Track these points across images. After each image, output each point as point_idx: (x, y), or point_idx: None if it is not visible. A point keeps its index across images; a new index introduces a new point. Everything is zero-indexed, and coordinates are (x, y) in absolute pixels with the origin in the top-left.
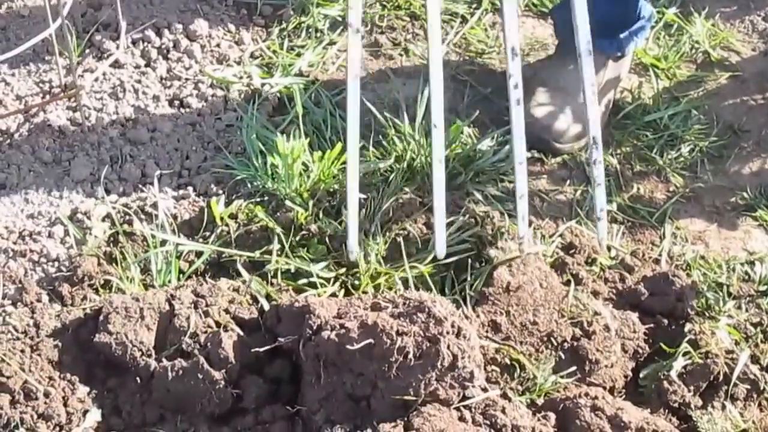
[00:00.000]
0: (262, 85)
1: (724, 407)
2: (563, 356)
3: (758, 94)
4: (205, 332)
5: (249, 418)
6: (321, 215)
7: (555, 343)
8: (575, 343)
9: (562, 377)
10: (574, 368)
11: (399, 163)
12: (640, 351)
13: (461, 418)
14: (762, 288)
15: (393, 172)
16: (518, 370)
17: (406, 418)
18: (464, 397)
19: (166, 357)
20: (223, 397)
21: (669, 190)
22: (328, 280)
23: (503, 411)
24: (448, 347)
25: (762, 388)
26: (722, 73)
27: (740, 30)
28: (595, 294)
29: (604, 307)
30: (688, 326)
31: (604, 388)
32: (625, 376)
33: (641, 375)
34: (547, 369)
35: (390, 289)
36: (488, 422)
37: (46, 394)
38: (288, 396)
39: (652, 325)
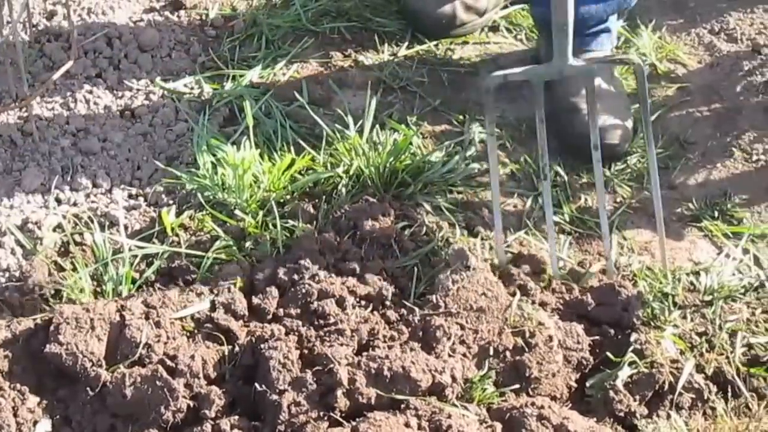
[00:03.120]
0: (213, 95)
1: (669, 416)
2: (505, 366)
3: (704, 106)
4: (158, 341)
5: (206, 428)
6: (271, 225)
7: (497, 353)
8: (517, 353)
9: (503, 386)
10: (515, 377)
11: (348, 173)
12: (585, 362)
13: (407, 424)
14: (707, 298)
15: (341, 180)
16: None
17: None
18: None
19: (123, 366)
20: (179, 407)
21: (616, 201)
22: None
23: (449, 417)
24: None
25: (706, 397)
26: (669, 85)
27: (687, 42)
28: (543, 304)
29: (548, 318)
30: (634, 336)
31: (550, 397)
32: (569, 387)
33: (587, 384)
34: (488, 378)
35: None
36: (434, 428)
37: None
38: (248, 406)
39: (598, 336)
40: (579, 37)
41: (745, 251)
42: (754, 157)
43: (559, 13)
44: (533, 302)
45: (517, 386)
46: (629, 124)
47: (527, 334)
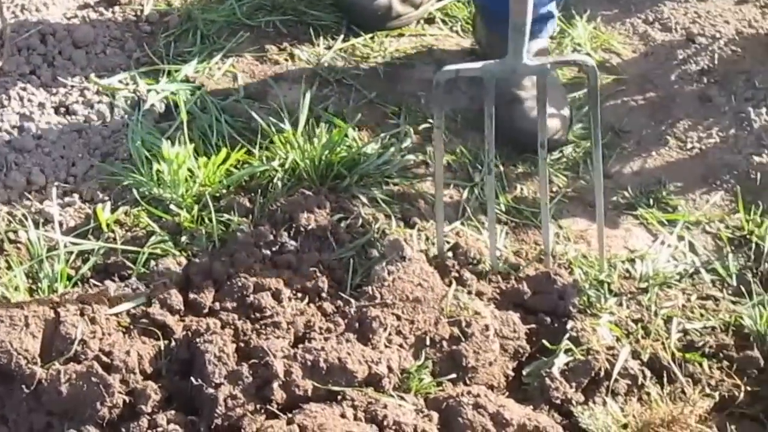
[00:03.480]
0: (148, 91)
1: (605, 402)
2: (442, 355)
3: (639, 95)
4: (93, 338)
5: (143, 423)
6: (207, 220)
7: (433, 343)
8: (453, 343)
9: (440, 376)
10: (452, 367)
11: (283, 166)
12: (522, 350)
13: (343, 415)
14: (642, 285)
15: (277, 173)
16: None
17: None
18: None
19: (58, 363)
20: (115, 403)
21: (552, 190)
22: None
23: (385, 407)
24: None
25: (641, 383)
26: (604, 76)
27: (621, 32)
28: (479, 294)
29: (485, 307)
30: (570, 324)
31: (487, 386)
32: (506, 375)
33: (524, 372)
34: (424, 368)
35: None
36: (370, 418)
37: None
38: (184, 401)
39: (534, 325)
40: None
41: (680, 238)
42: (689, 145)
43: (517, 14)
44: (470, 292)
45: (454, 376)
46: (566, 113)
47: (463, 324)
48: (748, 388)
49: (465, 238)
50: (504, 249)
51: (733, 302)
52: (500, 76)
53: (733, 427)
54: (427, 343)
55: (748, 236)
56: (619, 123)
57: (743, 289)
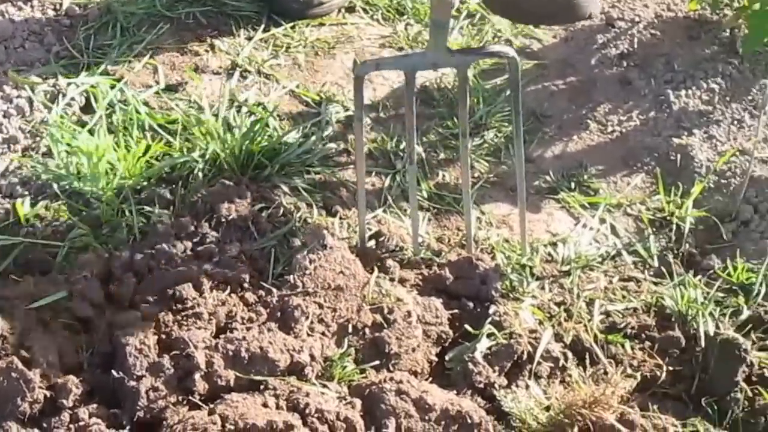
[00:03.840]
0: (68, 85)
1: (527, 386)
2: (365, 343)
3: (559, 80)
4: (12, 333)
5: (65, 417)
6: (127, 212)
7: (356, 330)
8: (376, 330)
9: (364, 363)
10: (375, 354)
11: (204, 157)
12: (445, 336)
13: (265, 404)
14: (565, 268)
15: (198, 164)
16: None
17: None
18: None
19: None
20: (36, 398)
21: (474, 176)
22: None
23: (307, 396)
24: None
25: (563, 365)
26: (524, 61)
27: None
28: (402, 281)
29: (407, 294)
30: (492, 308)
31: (411, 372)
32: (430, 361)
33: (447, 357)
34: (347, 356)
35: None
36: (292, 406)
37: None
38: (106, 394)
39: (457, 310)
40: None
41: (602, 221)
42: (609, 128)
43: (439, 13)
44: (392, 279)
45: (377, 363)
46: None
47: (386, 311)
48: (670, 368)
49: (387, 226)
50: (426, 235)
51: (655, 283)
52: (421, 69)
53: (655, 406)
54: (350, 330)
55: (668, 217)
56: (540, 108)
57: (664, 270)
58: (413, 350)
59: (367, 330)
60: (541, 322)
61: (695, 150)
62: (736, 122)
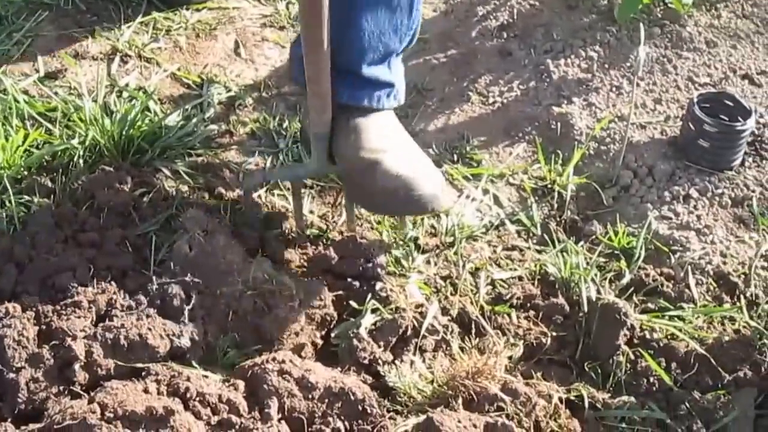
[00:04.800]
0: None
1: (412, 362)
2: (246, 328)
3: (440, 53)
4: None
5: None
6: (7, 203)
7: (237, 315)
8: (258, 316)
9: (246, 348)
10: (257, 339)
11: (84, 143)
12: (329, 318)
13: (146, 390)
14: (448, 239)
15: (78, 151)
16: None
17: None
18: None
19: None
20: None
21: None
22: None
23: (188, 380)
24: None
25: (448, 338)
26: None
27: None
28: (287, 263)
29: (290, 277)
30: (378, 285)
31: (293, 351)
32: (315, 344)
33: (333, 335)
34: (229, 340)
35: None
36: (172, 391)
37: None
38: None
39: (342, 291)
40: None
41: (485, 192)
42: (491, 100)
43: (319, 127)
44: (275, 261)
45: (259, 347)
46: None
47: (267, 296)
48: (554, 335)
49: (272, 206)
50: (310, 214)
51: (538, 251)
52: (305, 179)
53: (539, 373)
54: (230, 318)
55: (550, 186)
56: (422, 81)
57: (547, 237)
58: (296, 334)
59: (248, 316)
60: (428, 297)
61: (575, 118)
62: (614, 89)
